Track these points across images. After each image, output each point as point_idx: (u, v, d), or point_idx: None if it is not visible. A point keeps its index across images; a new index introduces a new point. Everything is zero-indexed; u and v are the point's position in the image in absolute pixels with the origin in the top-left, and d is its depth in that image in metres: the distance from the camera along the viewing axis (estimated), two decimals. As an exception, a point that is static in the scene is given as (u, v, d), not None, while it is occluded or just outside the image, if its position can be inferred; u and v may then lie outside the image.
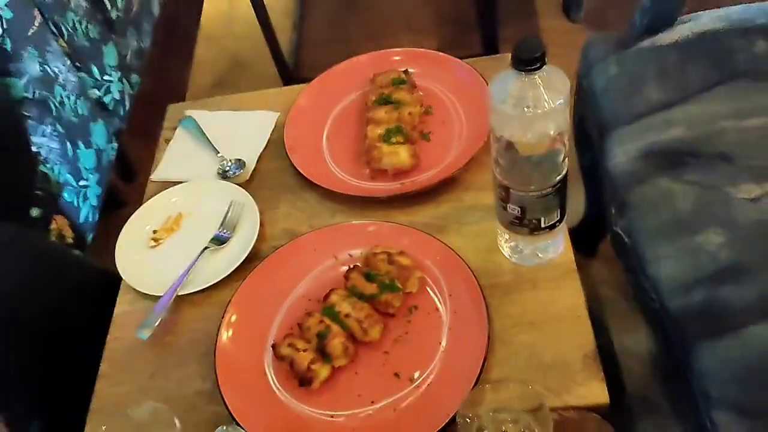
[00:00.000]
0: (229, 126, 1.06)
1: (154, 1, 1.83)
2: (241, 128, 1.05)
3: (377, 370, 0.76)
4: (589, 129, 1.02)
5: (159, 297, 0.85)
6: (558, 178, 0.72)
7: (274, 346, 0.77)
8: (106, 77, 1.49)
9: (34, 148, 1.22)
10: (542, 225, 0.76)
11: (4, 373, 0.84)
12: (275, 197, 0.95)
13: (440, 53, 1.06)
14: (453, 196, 0.90)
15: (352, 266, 0.82)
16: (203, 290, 0.86)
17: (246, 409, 0.74)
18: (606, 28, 1.81)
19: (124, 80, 1.57)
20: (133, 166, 1.72)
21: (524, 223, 0.76)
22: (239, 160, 1.00)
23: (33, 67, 1.22)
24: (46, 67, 1.25)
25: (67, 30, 1.35)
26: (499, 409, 0.65)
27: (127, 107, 1.57)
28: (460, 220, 0.87)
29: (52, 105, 1.26)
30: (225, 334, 0.80)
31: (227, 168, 0.99)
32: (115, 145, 1.48)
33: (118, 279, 0.90)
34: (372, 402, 0.73)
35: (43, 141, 1.24)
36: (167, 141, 1.07)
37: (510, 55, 0.64)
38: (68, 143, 1.29)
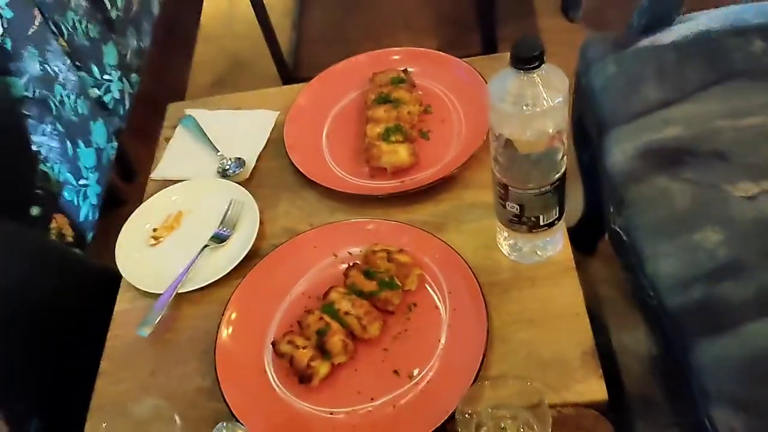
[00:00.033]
0: (229, 125, 1.06)
1: (154, 0, 1.83)
2: (241, 127, 1.05)
3: (377, 367, 0.76)
4: (587, 127, 1.03)
5: (159, 295, 0.85)
6: (556, 176, 0.72)
7: (273, 344, 0.78)
8: (106, 76, 1.49)
9: (34, 147, 1.22)
10: (541, 223, 0.76)
11: (4, 371, 0.84)
12: (275, 195, 0.95)
13: (439, 52, 1.06)
14: (452, 194, 0.90)
15: (351, 264, 0.83)
16: (203, 288, 0.86)
17: (246, 406, 0.74)
18: (604, 27, 1.82)
19: (124, 79, 1.57)
20: (133, 165, 1.72)
21: (523, 221, 0.76)
22: (239, 158, 1.00)
23: (33, 67, 1.22)
24: (46, 66, 1.25)
25: (67, 29, 1.35)
26: (498, 405, 0.66)
27: (127, 106, 1.58)
28: (459, 218, 0.87)
29: (52, 104, 1.26)
30: (225, 332, 0.80)
31: (227, 167, 0.99)
32: (115, 144, 1.49)
33: (118, 277, 0.91)
34: (371, 399, 0.74)
35: (43, 140, 1.24)
36: (167, 140, 1.07)
37: (509, 54, 0.65)
38: (68, 142, 1.30)
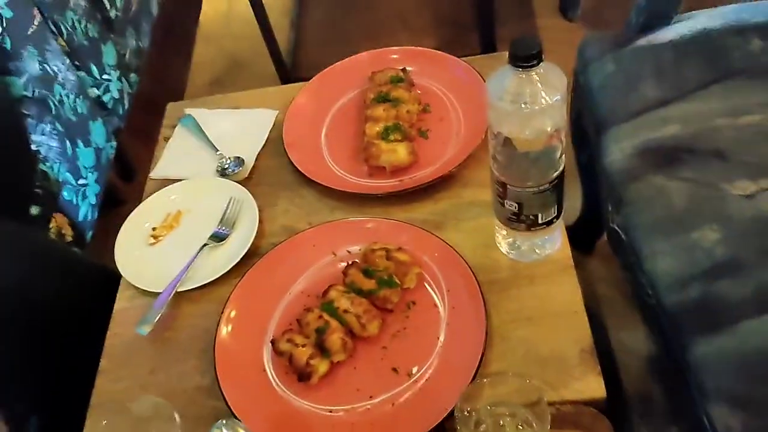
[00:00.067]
0: (228, 124, 1.06)
1: (153, 0, 1.83)
2: (240, 126, 1.05)
3: (376, 365, 0.76)
4: (586, 126, 1.03)
5: (158, 293, 0.85)
6: (555, 174, 0.73)
7: (273, 342, 0.78)
8: (105, 76, 1.49)
9: (33, 147, 1.23)
10: (539, 221, 0.77)
11: (4, 371, 0.84)
12: (274, 194, 0.96)
13: (438, 51, 1.07)
14: (451, 192, 0.90)
15: (350, 262, 0.83)
16: (202, 287, 0.86)
17: (245, 404, 0.74)
18: (603, 27, 1.82)
19: (123, 79, 1.57)
20: (132, 165, 1.72)
21: (521, 219, 0.77)
22: (238, 157, 1.00)
23: (32, 66, 1.22)
24: (45, 65, 1.25)
25: (66, 29, 1.36)
26: (497, 403, 0.66)
27: (126, 106, 1.58)
28: (457, 216, 0.88)
29: (51, 104, 1.26)
30: (224, 330, 0.80)
31: (226, 165, 1.00)
32: (114, 143, 1.49)
33: (117, 276, 0.91)
34: (370, 397, 0.74)
35: (43, 139, 1.24)
36: (166, 139, 1.07)
37: (507, 53, 0.65)
38: (67, 142, 1.30)
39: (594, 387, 0.71)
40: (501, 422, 0.65)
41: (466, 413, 0.64)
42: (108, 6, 1.54)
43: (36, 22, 1.24)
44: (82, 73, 1.41)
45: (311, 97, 1.05)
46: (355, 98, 1.05)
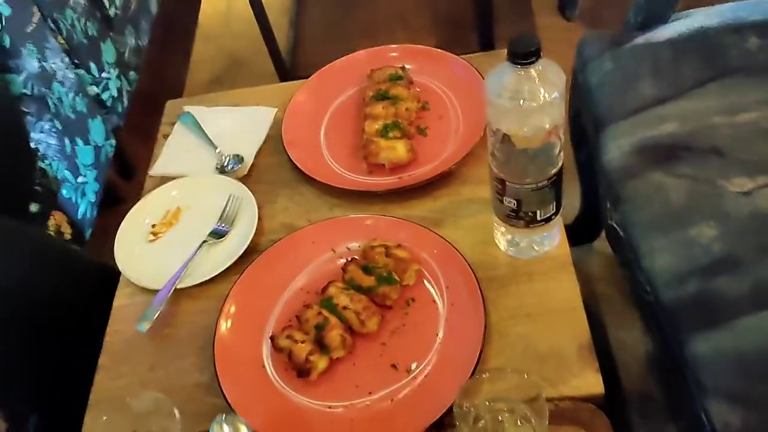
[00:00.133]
0: (227, 122, 1.06)
1: (152, -1, 1.84)
2: (240, 124, 1.05)
3: (375, 362, 0.76)
4: (584, 124, 1.03)
5: (158, 290, 0.86)
6: (553, 171, 0.73)
7: (272, 338, 0.78)
8: (104, 74, 1.49)
9: (32, 144, 1.23)
10: (538, 218, 0.77)
11: (3, 369, 0.84)
12: (273, 191, 0.96)
13: (437, 49, 1.07)
14: (450, 190, 0.90)
15: (349, 259, 0.83)
16: (202, 284, 0.87)
17: (244, 400, 0.74)
18: (601, 26, 1.83)
19: (122, 77, 1.57)
20: (132, 163, 1.72)
21: (520, 216, 0.77)
22: (237, 155, 1.00)
23: (32, 64, 1.22)
24: (44, 63, 1.25)
25: (65, 27, 1.36)
26: (496, 398, 0.66)
27: (125, 104, 1.58)
28: (456, 213, 0.88)
29: (50, 101, 1.26)
30: (224, 327, 0.81)
31: (226, 163, 1.00)
32: (114, 141, 1.49)
33: (116, 273, 0.91)
34: (369, 393, 0.74)
35: (42, 137, 1.24)
36: (165, 137, 1.07)
37: (506, 51, 0.65)
38: (66, 139, 1.30)
39: (592, 383, 0.71)
40: (500, 418, 0.65)
41: (464, 409, 0.64)
42: (107, 4, 1.54)
43: (35, 20, 1.25)
44: (82, 71, 1.41)
45: (310, 95, 1.06)
46: (354, 96, 1.05)
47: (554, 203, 0.77)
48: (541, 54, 0.65)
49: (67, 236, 1.28)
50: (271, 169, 0.99)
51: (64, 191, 1.29)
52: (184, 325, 0.85)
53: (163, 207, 0.97)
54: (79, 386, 0.82)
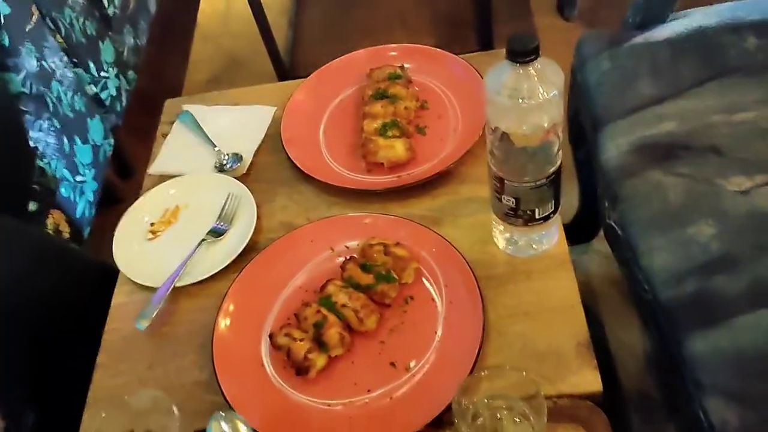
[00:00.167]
0: (226, 120, 1.07)
1: (151, -2, 1.84)
2: (239, 122, 1.06)
3: (373, 360, 0.76)
4: (583, 123, 1.04)
5: (156, 289, 0.86)
6: (552, 169, 0.73)
7: (271, 336, 0.78)
8: (102, 73, 1.49)
9: (31, 143, 1.23)
10: (536, 216, 0.77)
11: (1, 367, 0.84)
12: (272, 190, 0.96)
13: (436, 49, 1.07)
14: (448, 189, 0.91)
15: (348, 257, 0.83)
16: (200, 282, 0.87)
17: (243, 398, 0.74)
18: (600, 26, 1.83)
19: (121, 77, 1.57)
20: (130, 162, 1.73)
21: (519, 214, 0.77)
22: (236, 154, 1.00)
23: (30, 63, 1.22)
24: (43, 62, 1.26)
25: (64, 26, 1.36)
26: (495, 396, 0.66)
27: (124, 104, 1.58)
28: (455, 212, 0.88)
29: (49, 100, 1.26)
30: (222, 325, 0.81)
31: (224, 162, 1.00)
32: (112, 141, 1.49)
33: (115, 271, 0.91)
34: (368, 391, 0.74)
35: (40, 136, 1.24)
36: (164, 135, 1.07)
37: (504, 50, 0.65)
38: (65, 138, 1.30)
39: (590, 381, 0.71)
40: (498, 415, 0.65)
41: (463, 406, 0.64)
42: (106, 4, 1.54)
43: (34, 19, 1.25)
44: (80, 71, 1.41)
45: (309, 94, 1.06)
46: (353, 95, 1.05)
47: (553, 202, 0.77)
48: (540, 52, 0.65)
49: (66, 235, 1.28)
50: (270, 168, 0.99)
51: (62, 190, 1.29)
52: (182, 323, 0.85)
53: (162, 205, 0.97)
54: (77, 384, 0.82)
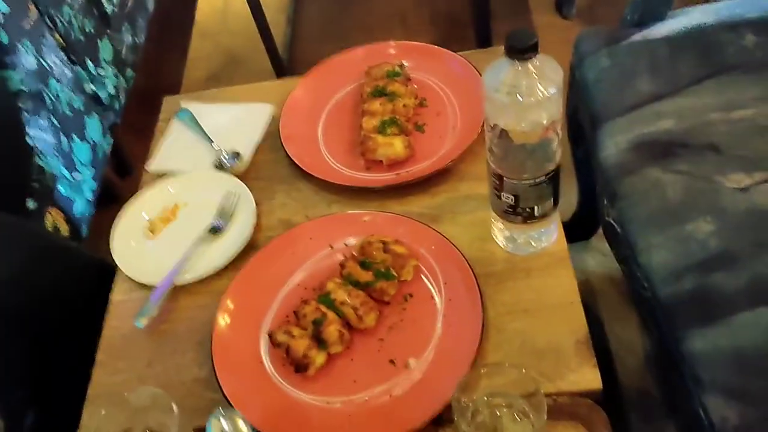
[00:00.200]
0: (224, 118, 1.06)
1: (149, -4, 1.83)
2: (237, 120, 1.05)
3: (373, 357, 0.76)
4: (582, 121, 1.04)
5: (155, 286, 0.85)
6: (551, 166, 0.73)
7: (270, 334, 0.78)
8: (101, 71, 1.49)
9: (29, 141, 1.22)
10: (536, 214, 0.77)
11: (0, 365, 0.84)
12: (271, 188, 0.96)
13: (434, 46, 1.07)
14: (447, 186, 0.91)
15: (347, 255, 0.83)
16: (199, 280, 0.87)
17: (242, 395, 0.74)
18: (598, 24, 1.83)
19: (119, 75, 1.57)
20: (128, 161, 1.72)
21: (518, 212, 0.77)
22: (235, 151, 1.00)
23: (29, 60, 1.22)
24: (41, 60, 1.25)
25: (62, 24, 1.35)
26: (494, 393, 0.66)
27: (122, 102, 1.58)
28: (454, 209, 0.88)
29: (47, 98, 1.26)
30: (222, 322, 0.81)
31: (223, 159, 1.00)
32: (110, 139, 1.49)
33: (113, 269, 0.91)
34: (367, 388, 0.74)
35: (39, 134, 1.24)
36: (163, 133, 1.07)
37: (503, 47, 0.65)
38: (63, 136, 1.30)
39: (590, 378, 0.71)
40: (498, 413, 0.65)
41: (463, 404, 0.64)
42: (104, 1, 1.54)
43: (32, 17, 1.24)
44: (78, 68, 1.41)
45: (308, 91, 1.06)
46: (351, 92, 1.05)
47: (552, 199, 0.77)
48: (539, 49, 0.65)
49: (64, 233, 1.28)
50: (269, 166, 0.99)
51: (60, 188, 1.29)
52: (182, 320, 0.85)
53: (161, 203, 0.97)
54: (76, 382, 0.82)
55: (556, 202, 0.78)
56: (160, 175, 1.00)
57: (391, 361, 0.76)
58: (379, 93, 0.98)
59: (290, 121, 1.02)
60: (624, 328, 1.11)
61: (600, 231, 0.96)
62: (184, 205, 0.97)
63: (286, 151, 0.97)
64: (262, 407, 0.74)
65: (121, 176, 1.71)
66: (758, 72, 0.93)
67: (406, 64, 1.04)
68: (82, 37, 1.42)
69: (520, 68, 0.65)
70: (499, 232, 0.83)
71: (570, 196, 1.24)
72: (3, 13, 1.16)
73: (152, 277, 0.87)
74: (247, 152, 1.00)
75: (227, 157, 0.99)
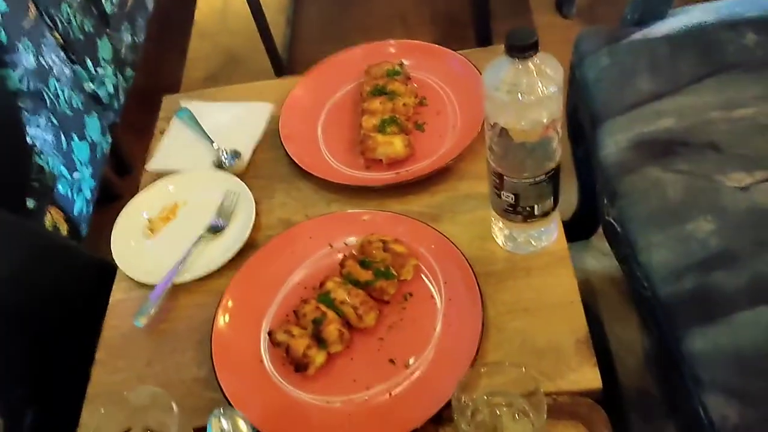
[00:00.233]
0: (224, 117, 1.06)
1: (149, -5, 1.83)
2: (237, 119, 1.05)
3: (372, 356, 0.76)
4: (582, 120, 1.03)
5: (155, 285, 0.85)
6: (551, 165, 0.73)
7: (270, 333, 0.78)
8: (100, 71, 1.49)
9: (29, 140, 1.22)
10: (536, 212, 0.77)
11: (0, 363, 0.84)
12: (270, 187, 0.96)
13: (434, 45, 1.07)
14: (447, 185, 0.90)
15: (347, 254, 0.83)
16: (199, 279, 0.86)
17: (242, 395, 0.74)
18: (598, 23, 1.83)
19: (119, 74, 1.57)
20: (128, 160, 1.72)
21: (518, 211, 0.77)
22: (235, 150, 1.00)
23: (28, 59, 1.22)
24: (41, 59, 1.25)
25: (62, 23, 1.35)
26: (494, 392, 0.66)
27: (121, 101, 1.58)
28: (454, 209, 0.88)
29: (46, 97, 1.26)
30: (221, 322, 0.80)
31: (223, 158, 0.99)
32: (110, 138, 1.49)
33: (113, 268, 0.91)
34: (367, 387, 0.74)
35: (38, 133, 1.24)
36: (162, 132, 1.07)
37: (503, 46, 0.65)
38: (62, 135, 1.30)
39: (590, 378, 0.71)
40: (498, 412, 0.65)
41: (463, 403, 0.64)
42: (103, 0, 1.54)
43: (32, 16, 1.24)
44: (78, 68, 1.41)
45: (308, 90, 1.05)
46: (351, 91, 1.05)
47: (552, 198, 0.77)
48: (539, 47, 0.65)
49: (64, 233, 1.28)
50: (269, 165, 0.99)
51: (60, 187, 1.29)
52: (181, 319, 0.84)
53: (160, 202, 0.97)
54: (76, 381, 0.82)
55: (556, 201, 0.78)
56: (160, 175, 1.00)
57: (391, 361, 0.75)
58: (379, 92, 0.98)
59: (290, 120, 1.01)
60: (624, 328, 1.10)
61: (600, 230, 0.96)
62: (183, 204, 0.96)
63: (285, 150, 0.97)
64: (261, 406, 0.74)
65: (121, 175, 1.71)
66: (759, 71, 0.93)
67: (405, 62, 1.04)
68: (81, 36, 1.42)
69: (520, 67, 0.65)
70: (499, 231, 0.83)
71: (570, 195, 1.24)
72: (2, 13, 1.16)
73: (152, 276, 0.87)
74: (246, 151, 1.00)
75: (227, 156, 0.99)
